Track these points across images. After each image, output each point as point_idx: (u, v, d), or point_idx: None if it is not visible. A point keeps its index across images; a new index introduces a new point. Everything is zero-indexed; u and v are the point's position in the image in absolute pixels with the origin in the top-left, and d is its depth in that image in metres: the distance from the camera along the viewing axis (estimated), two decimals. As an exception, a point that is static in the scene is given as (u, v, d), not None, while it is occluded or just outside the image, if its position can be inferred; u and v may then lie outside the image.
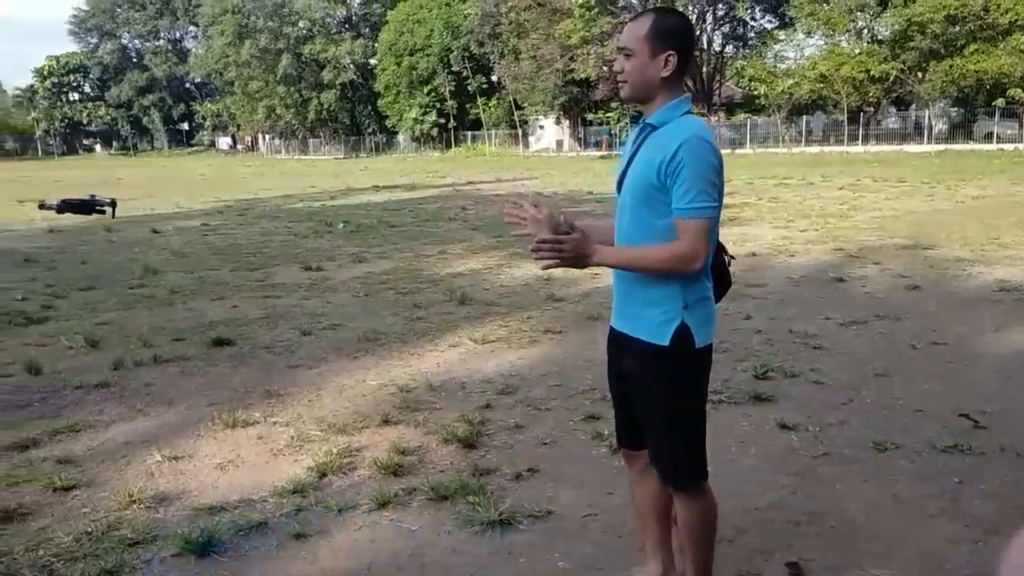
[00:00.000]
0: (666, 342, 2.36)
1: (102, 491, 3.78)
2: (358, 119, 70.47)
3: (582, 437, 4.26)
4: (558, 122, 55.05)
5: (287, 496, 3.65)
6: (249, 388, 5.31)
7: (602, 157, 44.77)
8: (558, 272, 9.14)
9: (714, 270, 2.48)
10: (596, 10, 43.36)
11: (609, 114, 47.97)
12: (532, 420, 4.51)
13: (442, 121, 59.50)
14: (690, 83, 47.01)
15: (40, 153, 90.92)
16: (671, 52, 2.35)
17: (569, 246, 2.33)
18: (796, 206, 15.72)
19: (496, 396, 4.95)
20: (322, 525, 3.40)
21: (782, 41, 46.59)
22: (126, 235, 14.15)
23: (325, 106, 67.81)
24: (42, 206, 10.41)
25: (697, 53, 47.33)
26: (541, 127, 57.48)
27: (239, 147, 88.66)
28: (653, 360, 2.41)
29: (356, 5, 70.89)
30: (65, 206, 10.35)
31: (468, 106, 59.54)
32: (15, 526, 3.45)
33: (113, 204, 10.01)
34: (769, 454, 4.01)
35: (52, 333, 6.92)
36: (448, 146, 60.15)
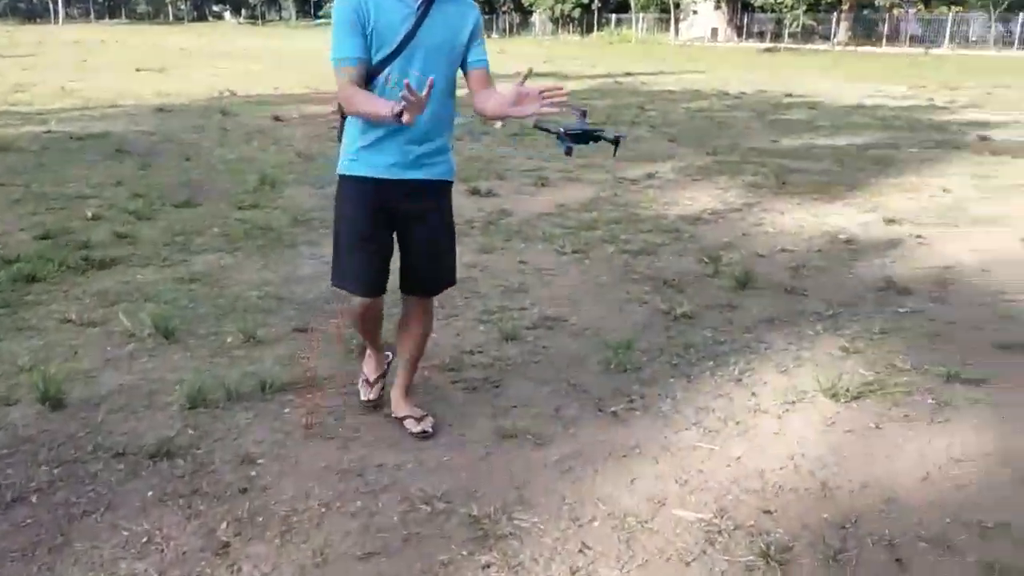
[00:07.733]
0: (452, 177, 2.97)
1: None
2: (488, -5, 66.23)
3: None
4: (717, 6, 49.56)
5: None
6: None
7: (768, 49, 39.88)
8: (865, 240, 6.13)
9: None
10: None
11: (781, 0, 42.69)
12: None
13: (585, 1, 54.88)
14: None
15: (171, 18, 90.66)
16: None
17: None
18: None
19: (960, 529, 2.11)
20: None
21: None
22: (244, 121, 11.74)
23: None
24: (536, 126, 8.72)
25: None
26: (695, 12, 51.74)
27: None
28: (445, 194, 2.97)
29: None
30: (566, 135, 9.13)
31: (614, -14, 54.62)
32: None
33: (617, 141, 7.72)
34: None
35: (115, 296, 4.45)
36: (588, 30, 55.66)
